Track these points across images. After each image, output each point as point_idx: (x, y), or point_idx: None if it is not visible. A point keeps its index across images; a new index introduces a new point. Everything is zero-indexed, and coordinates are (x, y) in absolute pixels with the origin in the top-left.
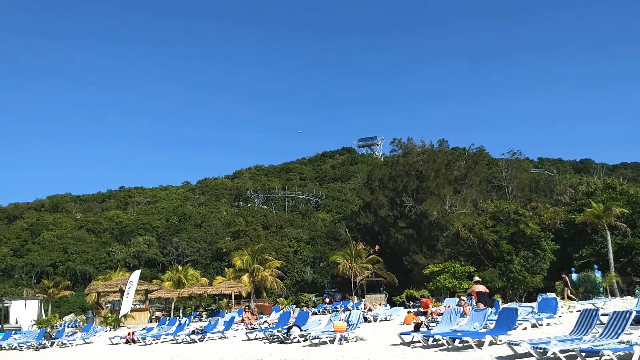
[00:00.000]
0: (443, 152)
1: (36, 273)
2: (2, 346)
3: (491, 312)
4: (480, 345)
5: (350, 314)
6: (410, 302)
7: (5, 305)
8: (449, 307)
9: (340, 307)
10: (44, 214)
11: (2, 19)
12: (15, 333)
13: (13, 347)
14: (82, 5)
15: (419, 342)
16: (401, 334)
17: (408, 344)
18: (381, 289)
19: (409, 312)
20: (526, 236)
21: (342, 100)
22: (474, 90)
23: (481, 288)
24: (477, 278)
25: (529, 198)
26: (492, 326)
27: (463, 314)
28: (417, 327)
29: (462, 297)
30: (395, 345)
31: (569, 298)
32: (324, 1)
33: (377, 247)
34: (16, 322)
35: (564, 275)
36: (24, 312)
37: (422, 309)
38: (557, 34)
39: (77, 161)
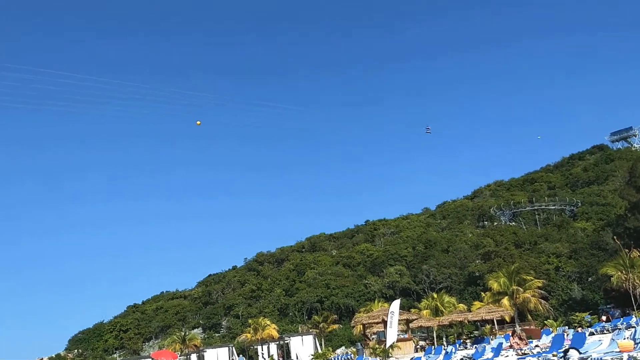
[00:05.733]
0: None
1: (307, 309)
2: None
3: None
4: None
5: (635, 331)
6: None
7: (286, 341)
8: None
9: (622, 324)
10: (305, 254)
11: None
12: None
13: None
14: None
15: None
16: None
17: None
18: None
19: None
20: None
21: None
22: None
23: None
24: None
25: None
26: None
27: None
28: None
29: None
30: None
31: None
32: None
33: None
34: (297, 357)
35: None
36: (302, 347)
37: None
38: None
39: (326, 203)
